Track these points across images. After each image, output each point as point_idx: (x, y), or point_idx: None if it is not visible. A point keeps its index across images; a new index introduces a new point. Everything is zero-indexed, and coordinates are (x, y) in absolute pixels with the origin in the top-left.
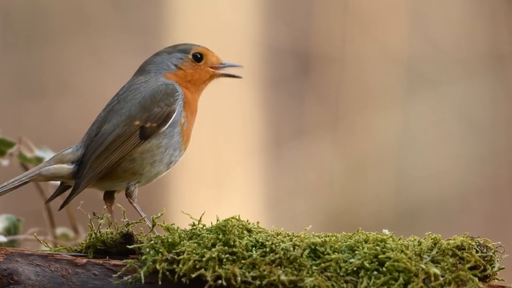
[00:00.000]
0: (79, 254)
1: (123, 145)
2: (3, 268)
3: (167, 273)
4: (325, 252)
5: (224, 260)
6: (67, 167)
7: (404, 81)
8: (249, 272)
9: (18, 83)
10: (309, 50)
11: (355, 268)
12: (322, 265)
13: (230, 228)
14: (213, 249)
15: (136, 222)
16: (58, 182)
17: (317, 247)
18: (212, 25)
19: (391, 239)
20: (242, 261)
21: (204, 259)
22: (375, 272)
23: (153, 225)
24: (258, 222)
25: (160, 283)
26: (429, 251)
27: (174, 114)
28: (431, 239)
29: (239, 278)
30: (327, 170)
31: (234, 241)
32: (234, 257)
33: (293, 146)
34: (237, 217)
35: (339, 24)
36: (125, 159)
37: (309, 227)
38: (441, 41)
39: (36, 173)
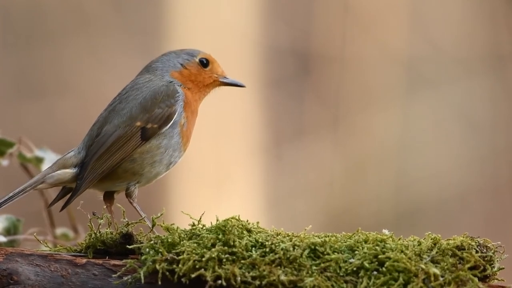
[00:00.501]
0: (79, 254)
1: (124, 146)
2: (3, 268)
3: (167, 273)
4: (325, 252)
5: (224, 260)
6: (70, 171)
7: (404, 81)
8: (248, 272)
9: (18, 83)
10: (309, 50)
11: (355, 268)
12: (322, 265)
13: (230, 228)
14: (213, 249)
15: (136, 222)
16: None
17: (317, 247)
18: (212, 25)
19: (391, 239)
20: (242, 261)
21: (204, 259)
22: (375, 272)
23: (153, 225)
24: (258, 222)
25: (160, 283)
26: (429, 251)
27: (175, 115)
28: (431, 239)
29: (238, 278)
30: (327, 170)
31: (234, 241)
32: (234, 257)
33: (293, 146)
34: (237, 217)
35: (339, 24)
36: (126, 160)
37: (309, 227)
38: (441, 41)
39: (40, 181)
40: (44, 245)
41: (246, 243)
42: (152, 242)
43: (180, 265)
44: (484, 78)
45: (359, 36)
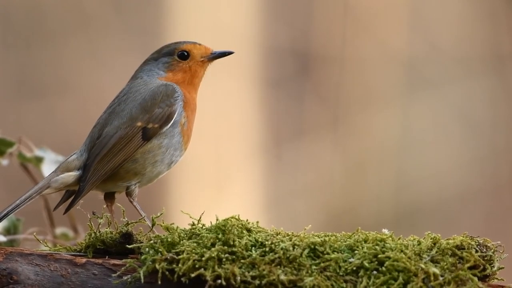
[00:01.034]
0: (78, 253)
1: (126, 147)
2: (2, 268)
3: (167, 272)
4: (325, 252)
5: (224, 259)
6: (74, 174)
7: (404, 81)
8: (248, 272)
9: (18, 83)
10: (309, 50)
11: (354, 268)
12: (322, 264)
13: (230, 228)
14: (213, 249)
15: (136, 222)
16: None
17: (316, 247)
18: (212, 25)
19: (390, 238)
20: (242, 260)
21: (203, 258)
22: (375, 272)
23: (153, 225)
24: (257, 222)
25: (159, 282)
26: (428, 250)
27: (175, 115)
28: (431, 239)
29: (238, 278)
30: (327, 170)
31: (234, 241)
32: (234, 256)
33: (293, 146)
34: (237, 217)
35: (339, 24)
36: (127, 160)
37: (309, 227)
38: (441, 41)
39: (45, 187)
40: (44, 245)
41: (246, 243)
42: (152, 241)
43: (180, 265)
44: (484, 78)
45: (359, 36)
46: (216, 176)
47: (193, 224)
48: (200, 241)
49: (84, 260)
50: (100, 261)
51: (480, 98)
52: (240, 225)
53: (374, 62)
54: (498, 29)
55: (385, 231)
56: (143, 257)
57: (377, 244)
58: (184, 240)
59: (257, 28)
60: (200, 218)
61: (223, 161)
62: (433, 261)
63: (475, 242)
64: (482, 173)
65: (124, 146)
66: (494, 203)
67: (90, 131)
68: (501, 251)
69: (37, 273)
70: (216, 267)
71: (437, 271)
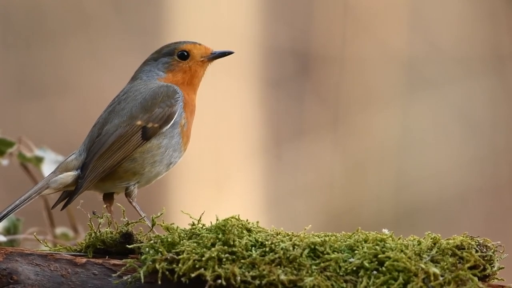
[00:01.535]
0: (78, 253)
1: (125, 145)
2: (2, 268)
3: (167, 272)
4: (325, 252)
5: (224, 259)
6: (72, 174)
7: (404, 81)
8: (248, 272)
9: (18, 83)
10: (309, 50)
11: (354, 268)
12: (322, 264)
13: (230, 228)
14: (213, 249)
15: (136, 222)
16: None
17: (316, 247)
18: (212, 25)
19: (390, 238)
20: (242, 260)
21: (203, 258)
22: (375, 272)
23: (153, 225)
24: (257, 222)
25: (159, 282)
26: (428, 250)
27: (175, 115)
28: (431, 239)
29: (238, 278)
30: (327, 170)
31: (234, 241)
32: (234, 256)
33: (293, 146)
34: (237, 217)
35: (339, 24)
36: (126, 159)
37: (309, 227)
38: (441, 41)
39: (44, 187)
40: (44, 245)
41: (246, 243)
42: (152, 241)
43: (180, 265)
44: (484, 78)
45: (359, 36)
46: (216, 176)
47: (193, 224)
48: (200, 241)
49: (84, 260)
50: (100, 261)
51: (480, 98)
52: (240, 225)
53: (374, 62)
54: (498, 29)
55: (385, 231)
56: (143, 257)
57: (377, 244)
58: (184, 240)
59: (257, 28)
60: (200, 218)
61: (223, 161)
62: (433, 261)
63: (475, 242)
64: (482, 173)
65: (124, 144)
66: (494, 203)
67: (90, 130)
68: (501, 251)
69: (37, 273)
70: (216, 267)
71: (437, 271)
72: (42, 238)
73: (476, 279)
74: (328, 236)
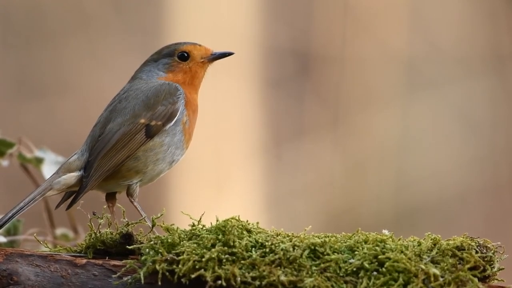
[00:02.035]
0: (78, 254)
1: (130, 143)
2: (2, 269)
3: (167, 273)
4: (325, 253)
5: (224, 260)
6: (76, 174)
7: (404, 81)
8: (248, 273)
9: (18, 83)
10: (309, 50)
11: (354, 269)
12: (322, 265)
13: (230, 229)
14: (213, 250)
15: (136, 223)
16: None
17: (316, 248)
18: (212, 25)
19: (390, 239)
20: (242, 261)
21: (203, 259)
22: (375, 273)
23: (153, 226)
24: (257, 223)
25: (159, 283)
26: (428, 251)
27: (178, 113)
28: (431, 240)
29: (238, 279)
30: (327, 170)
31: (234, 242)
32: (234, 257)
33: (293, 146)
34: (237, 218)
35: (339, 24)
36: (130, 158)
37: (309, 228)
38: (441, 41)
39: (48, 188)
40: (44, 246)
41: (246, 244)
42: (152, 242)
43: (180, 266)
44: (484, 78)
45: (359, 36)
46: (216, 176)
47: (193, 225)
48: (200, 242)
49: (84, 261)
50: (100, 262)
51: (480, 98)
52: (240, 226)
53: (374, 62)
54: (498, 29)
55: (385, 232)
56: (143, 258)
57: (377, 245)
58: (184, 241)
59: (257, 28)
60: (200, 219)
61: (223, 161)
62: (433, 262)
63: (475, 243)
64: (482, 173)
65: (128, 143)
66: (494, 203)
67: (91, 130)
68: (501, 252)
69: (37, 274)
70: (216, 268)
71: (437, 272)
72: (42, 239)
73: (476, 280)
74: (328, 237)
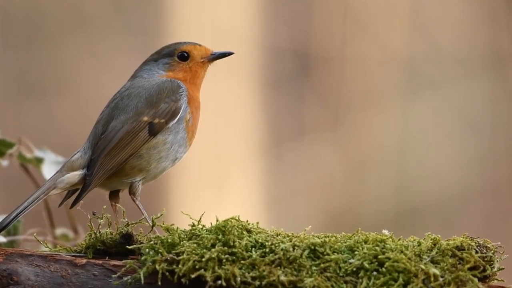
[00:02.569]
0: (78, 254)
1: (133, 141)
2: (2, 269)
3: (167, 273)
4: (325, 253)
5: (224, 260)
6: (79, 173)
7: (404, 81)
8: (248, 273)
9: (18, 83)
10: (309, 50)
11: (354, 269)
12: (322, 265)
13: (230, 229)
14: (213, 250)
15: (136, 223)
16: None
17: (316, 248)
18: (212, 25)
19: (390, 239)
20: (242, 261)
21: (203, 259)
22: (375, 273)
23: (153, 225)
24: (257, 223)
25: (159, 283)
26: (428, 251)
27: (181, 110)
28: (431, 240)
29: (238, 279)
30: (327, 170)
31: (234, 242)
32: (234, 257)
33: (293, 146)
34: (237, 218)
35: (339, 24)
36: (133, 156)
37: (309, 228)
38: (441, 41)
39: (52, 187)
40: (44, 246)
41: (246, 244)
42: (152, 242)
43: (180, 266)
44: (484, 78)
45: (359, 36)
46: (216, 176)
47: (193, 225)
48: (200, 242)
49: (84, 261)
50: (100, 262)
51: (480, 98)
52: (240, 226)
53: (374, 62)
54: (498, 29)
55: (385, 232)
56: (143, 257)
57: (377, 245)
58: (184, 241)
59: (257, 28)
60: (200, 219)
61: (223, 161)
62: (433, 262)
63: (475, 243)
64: (482, 173)
65: (131, 141)
66: (494, 203)
67: (93, 127)
68: (501, 252)
69: (37, 274)
70: (216, 268)
71: (437, 272)
72: (42, 239)
73: (476, 280)
74: (328, 237)
